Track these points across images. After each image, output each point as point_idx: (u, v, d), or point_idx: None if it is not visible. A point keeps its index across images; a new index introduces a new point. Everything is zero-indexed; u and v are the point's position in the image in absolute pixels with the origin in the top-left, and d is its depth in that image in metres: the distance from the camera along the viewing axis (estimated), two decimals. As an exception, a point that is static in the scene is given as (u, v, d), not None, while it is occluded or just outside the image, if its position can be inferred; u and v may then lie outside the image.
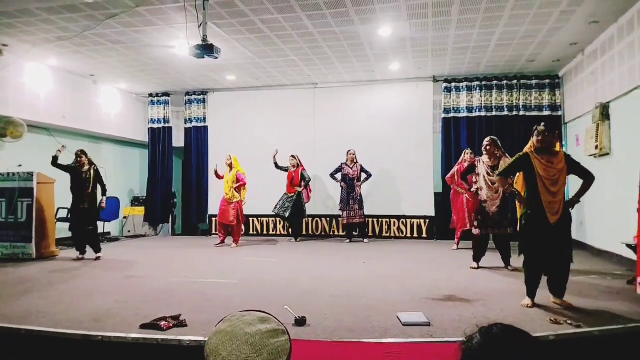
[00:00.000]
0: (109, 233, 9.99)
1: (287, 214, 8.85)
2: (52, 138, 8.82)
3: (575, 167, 4.18)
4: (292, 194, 8.89)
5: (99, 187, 7.03)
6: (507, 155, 5.91)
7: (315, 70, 8.82)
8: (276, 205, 8.95)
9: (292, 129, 9.99)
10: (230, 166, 8.41)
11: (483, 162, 5.95)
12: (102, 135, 9.95)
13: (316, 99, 9.96)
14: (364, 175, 8.80)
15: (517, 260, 5.78)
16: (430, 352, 2.87)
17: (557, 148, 4.21)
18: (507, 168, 4.36)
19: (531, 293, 4.12)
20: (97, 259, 6.85)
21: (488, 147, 5.90)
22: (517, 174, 4.41)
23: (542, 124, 4.18)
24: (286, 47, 7.45)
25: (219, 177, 8.60)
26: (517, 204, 4.37)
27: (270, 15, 6.10)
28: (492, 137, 6.04)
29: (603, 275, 5.53)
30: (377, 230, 9.56)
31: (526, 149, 4.26)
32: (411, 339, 3.23)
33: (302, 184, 8.89)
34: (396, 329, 3.46)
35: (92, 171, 6.91)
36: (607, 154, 6.68)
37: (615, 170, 6.50)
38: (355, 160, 8.78)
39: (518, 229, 4.37)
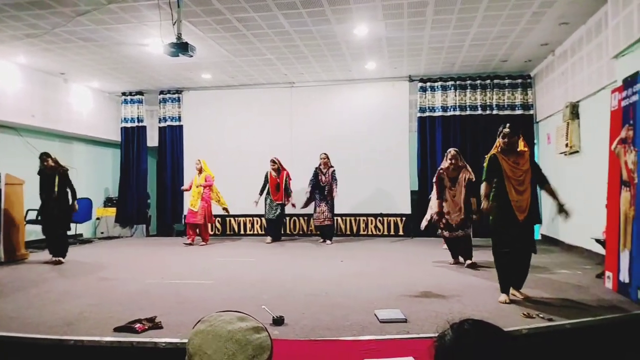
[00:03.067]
0: (81, 235, 9.77)
1: (275, 217, 8.83)
2: (21, 138, 8.57)
3: (536, 171, 4.32)
4: (278, 201, 8.74)
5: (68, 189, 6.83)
6: (467, 166, 6.11)
7: (291, 69, 8.80)
8: (267, 212, 8.87)
9: (269, 128, 9.94)
10: (200, 170, 8.60)
11: (445, 175, 6.09)
12: (74, 135, 9.72)
13: (293, 98, 9.94)
14: (334, 184, 8.47)
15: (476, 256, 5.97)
16: (408, 348, 2.90)
17: (522, 147, 4.33)
18: (487, 175, 4.36)
19: (505, 289, 4.23)
20: (59, 262, 6.55)
21: (454, 159, 6.02)
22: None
23: (507, 125, 4.32)
24: (262, 46, 7.41)
25: (187, 190, 8.86)
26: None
27: (246, 13, 6.05)
28: (455, 149, 6.21)
29: (573, 269, 5.68)
30: (355, 228, 9.60)
31: (493, 151, 4.37)
32: (388, 336, 3.26)
33: (288, 194, 8.80)
34: (374, 326, 3.49)
35: (57, 175, 6.68)
36: (577, 151, 6.87)
37: (584, 168, 6.69)
38: (329, 165, 8.56)
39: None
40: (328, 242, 8.59)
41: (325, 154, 8.61)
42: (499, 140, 4.29)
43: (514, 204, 4.11)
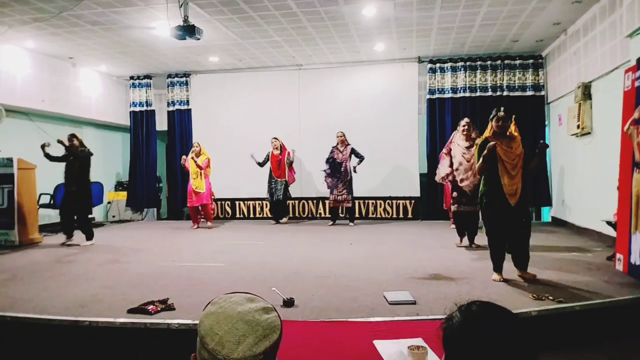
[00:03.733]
0: (93, 218, 9.87)
1: (281, 197, 8.86)
2: (32, 122, 8.64)
3: (530, 153, 4.37)
4: (280, 178, 8.83)
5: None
6: (480, 136, 6.04)
7: (299, 51, 8.73)
8: (271, 194, 8.91)
9: (277, 111, 9.91)
10: (198, 153, 8.55)
11: (457, 144, 6.05)
12: (83, 119, 9.77)
13: (301, 81, 9.88)
14: (355, 159, 8.50)
15: (479, 238, 5.95)
16: (417, 330, 2.92)
17: (513, 132, 4.33)
18: (477, 157, 4.44)
19: (497, 268, 4.33)
20: (88, 245, 6.74)
21: (466, 129, 6.00)
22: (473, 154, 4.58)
23: (502, 109, 4.34)
24: (269, 28, 7.35)
25: (187, 169, 8.77)
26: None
27: (252, -5, 5.99)
28: (467, 119, 6.18)
29: (583, 252, 5.66)
30: (364, 211, 9.61)
31: (485, 134, 4.39)
32: (397, 317, 3.29)
33: (290, 163, 8.89)
34: (383, 308, 3.52)
35: (77, 153, 6.80)
36: (589, 133, 6.78)
37: (596, 149, 6.61)
38: (346, 143, 8.55)
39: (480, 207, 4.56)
40: (351, 224, 8.60)
41: (342, 132, 8.58)
42: (492, 124, 4.31)
43: (505, 189, 4.16)
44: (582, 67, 6.95)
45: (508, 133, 4.31)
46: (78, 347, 3.32)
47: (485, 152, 4.21)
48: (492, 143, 4.20)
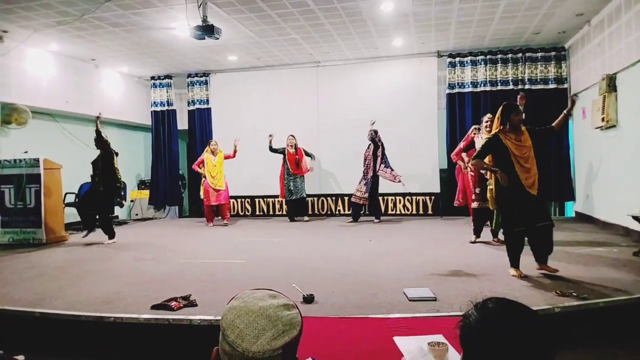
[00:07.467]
0: (117, 217, 10.07)
1: (304, 195, 8.90)
2: (57, 123, 8.84)
3: (538, 133, 4.38)
4: (299, 175, 8.87)
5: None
6: None
7: (317, 48, 8.73)
8: (290, 192, 8.90)
9: (296, 109, 9.92)
10: (215, 152, 8.71)
11: (481, 138, 6.00)
12: (106, 120, 9.90)
13: (319, 78, 9.88)
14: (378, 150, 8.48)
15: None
16: (437, 326, 2.90)
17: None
18: (480, 151, 4.42)
19: (515, 263, 4.29)
20: (110, 244, 6.84)
21: (488, 125, 5.94)
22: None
23: (521, 93, 4.44)
24: (287, 25, 7.37)
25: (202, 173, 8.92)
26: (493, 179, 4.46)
27: (270, -7, 6.01)
28: (490, 114, 6.11)
29: (609, 247, 5.54)
30: (383, 208, 9.56)
31: (494, 130, 4.36)
32: (418, 314, 3.27)
33: (310, 159, 8.91)
34: (403, 305, 3.50)
35: (100, 153, 6.92)
36: (614, 126, 6.62)
37: (621, 142, 6.45)
38: (369, 140, 8.49)
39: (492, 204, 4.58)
40: (376, 220, 8.56)
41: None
42: (514, 117, 4.22)
43: (524, 182, 4.13)
44: (607, 59, 6.79)
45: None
46: (103, 343, 3.40)
47: (486, 169, 4.34)
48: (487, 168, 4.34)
